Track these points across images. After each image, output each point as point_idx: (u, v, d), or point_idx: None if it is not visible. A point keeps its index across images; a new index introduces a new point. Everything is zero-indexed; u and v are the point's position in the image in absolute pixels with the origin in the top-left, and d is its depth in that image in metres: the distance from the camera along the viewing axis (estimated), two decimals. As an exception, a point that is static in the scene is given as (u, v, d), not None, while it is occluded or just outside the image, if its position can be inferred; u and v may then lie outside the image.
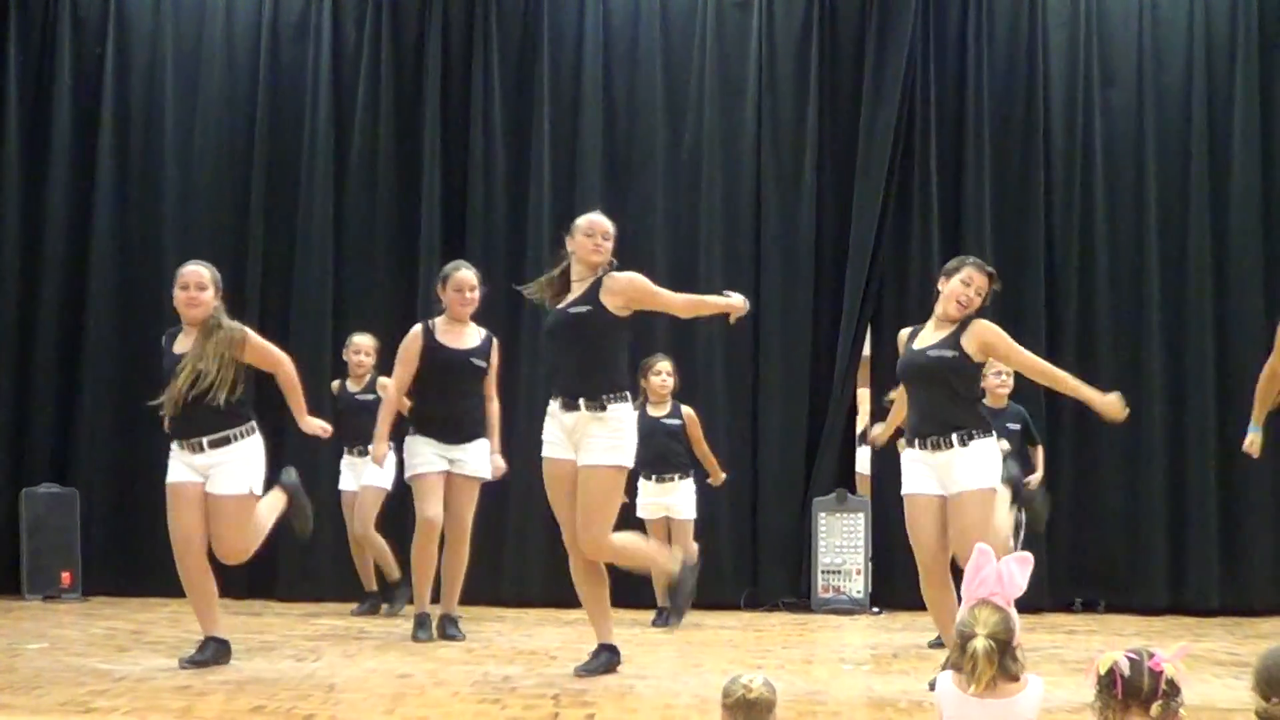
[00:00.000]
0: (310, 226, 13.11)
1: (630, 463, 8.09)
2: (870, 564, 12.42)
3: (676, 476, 11.19)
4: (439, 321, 9.75)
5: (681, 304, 8.35)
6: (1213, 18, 13.18)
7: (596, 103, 13.20)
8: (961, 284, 7.93)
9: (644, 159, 13.24)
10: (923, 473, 7.89)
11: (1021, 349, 8.15)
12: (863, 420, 13.42)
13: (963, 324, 7.95)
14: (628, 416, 8.03)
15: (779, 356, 12.99)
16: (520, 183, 13.17)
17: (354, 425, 11.35)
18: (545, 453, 8.15)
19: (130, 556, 12.33)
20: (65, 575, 12.22)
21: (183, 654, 8.23)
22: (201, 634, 8.32)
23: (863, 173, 12.96)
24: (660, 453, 11.00)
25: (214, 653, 8.18)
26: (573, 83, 13.28)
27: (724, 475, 11.55)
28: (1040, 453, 11.50)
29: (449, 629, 9.83)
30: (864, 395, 13.63)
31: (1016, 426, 10.98)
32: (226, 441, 8.14)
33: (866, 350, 13.10)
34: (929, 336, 8.01)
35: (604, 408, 7.91)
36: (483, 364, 9.71)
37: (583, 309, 7.96)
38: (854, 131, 13.10)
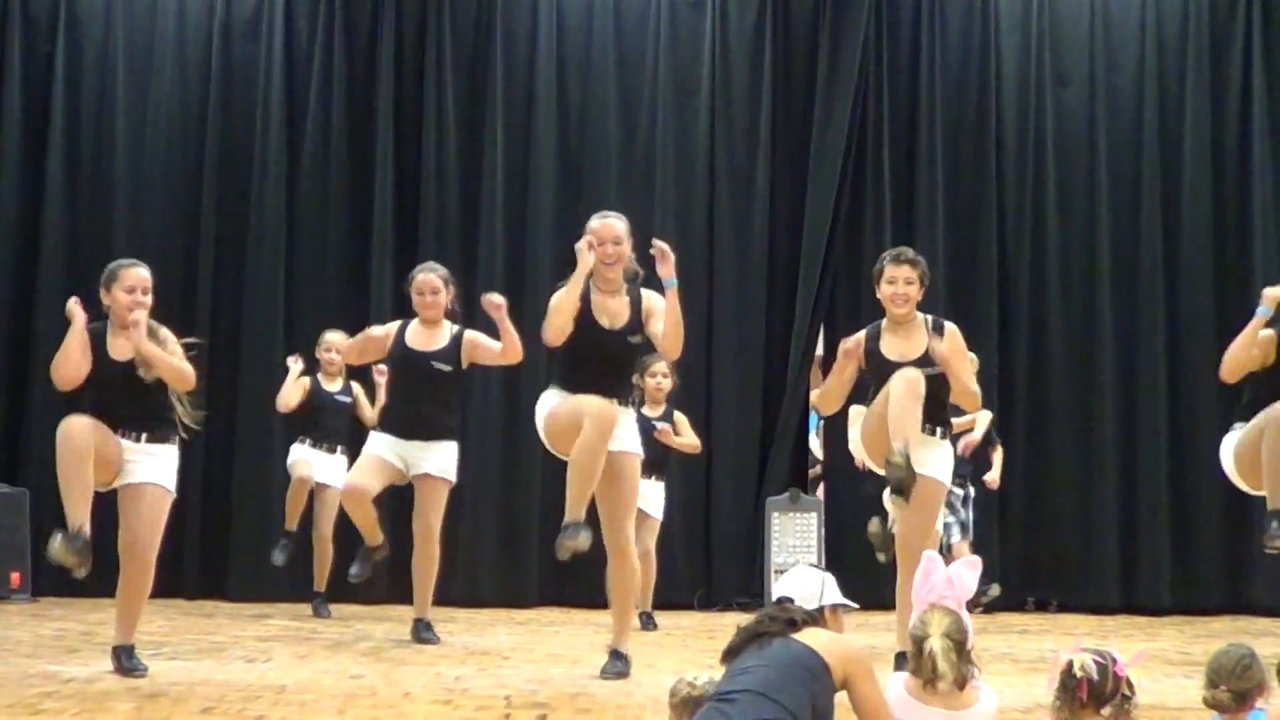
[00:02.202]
0: (262, 225, 13.05)
1: None
2: (823, 564, 12.42)
3: (654, 477, 11.07)
4: (414, 322, 9.68)
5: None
6: (1164, 19, 13.27)
7: (550, 102, 13.19)
8: (888, 285, 8.13)
9: (597, 158, 13.24)
10: None
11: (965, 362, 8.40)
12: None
13: (937, 329, 8.16)
14: None
15: (732, 357, 13.00)
16: (473, 181, 13.14)
17: (329, 424, 11.32)
18: (562, 402, 7.85)
19: (80, 557, 12.23)
20: (14, 576, 12.13)
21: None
22: (73, 523, 7.94)
23: (816, 173, 13.00)
24: (653, 455, 10.79)
25: (84, 543, 7.92)
26: (526, 81, 13.26)
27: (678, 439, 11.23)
28: (999, 455, 11.60)
29: (423, 633, 9.70)
30: (815, 396, 13.65)
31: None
32: (163, 440, 8.01)
33: (820, 350, 13.13)
34: (903, 345, 8.11)
35: (632, 405, 8.05)
36: (446, 368, 9.54)
37: (637, 339, 7.94)
38: (807, 132, 13.14)
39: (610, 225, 7.90)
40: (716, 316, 13.03)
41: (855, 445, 8.91)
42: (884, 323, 8.23)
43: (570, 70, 13.38)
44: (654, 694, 7.14)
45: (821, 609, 5.36)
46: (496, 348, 9.50)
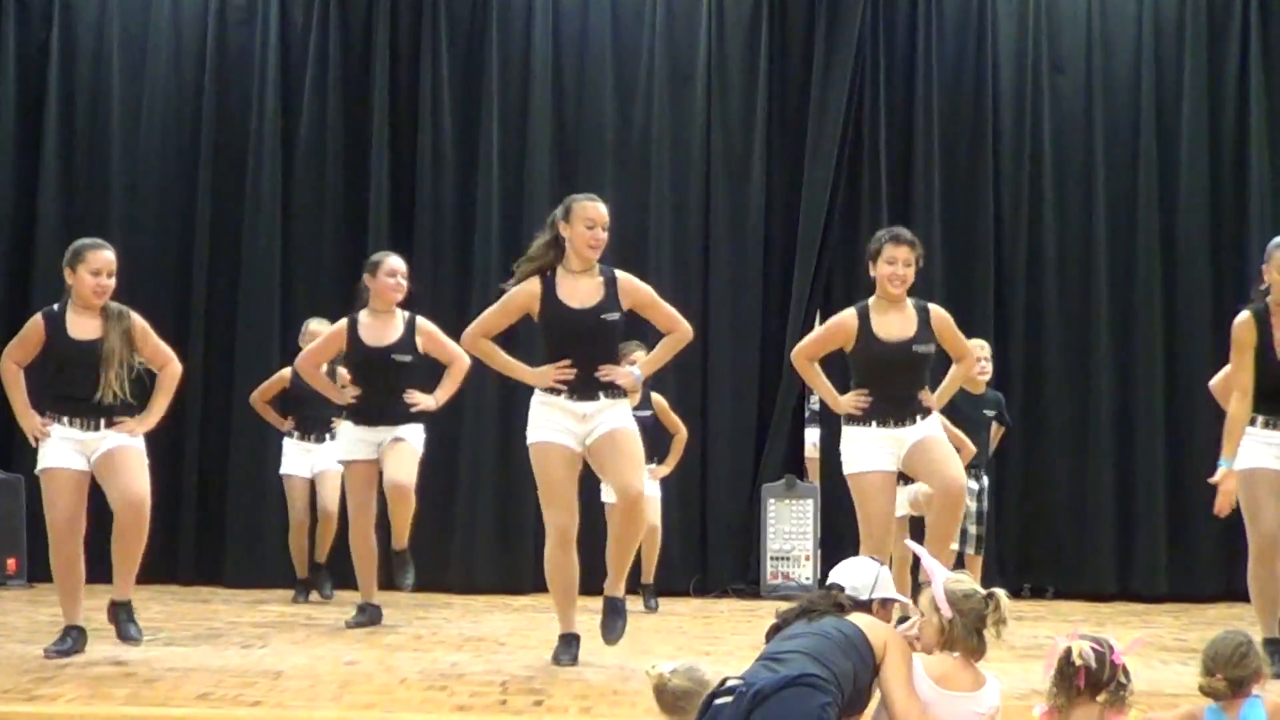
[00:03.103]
0: (258, 213, 13.03)
1: None
2: (819, 550, 12.43)
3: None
4: (363, 315, 9.63)
5: (669, 330, 8.16)
6: (1161, 5, 13.25)
7: (545, 87, 13.16)
8: (887, 264, 8.24)
9: (593, 144, 13.21)
10: (880, 449, 8.18)
11: (960, 335, 8.56)
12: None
13: (923, 313, 8.28)
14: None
15: (728, 343, 12.99)
16: (469, 167, 13.12)
17: (315, 413, 11.29)
18: (547, 438, 7.79)
19: (76, 543, 12.23)
20: (10, 562, 12.14)
21: (47, 645, 8.11)
22: (65, 622, 8.16)
23: (812, 159, 12.98)
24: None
25: (76, 641, 8.09)
26: (521, 67, 13.23)
27: (666, 470, 11.37)
28: (999, 434, 11.42)
29: (400, 570, 9.78)
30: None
31: (992, 412, 10.97)
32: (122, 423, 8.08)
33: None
34: (895, 326, 8.22)
35: (623, 394, 7.93)
36: (406, 358, 9.52)
37: (614, 316, 7.86)
38: (803, 118, 13.12)
39: (602, 210, 7.88)
40: (712, 302, 13.02)
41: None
42: (872, 301, 8.31)
43: (566, 55, 13.35)
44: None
45: (871, 601, 5.62)
46: (450, 351, 9.57)
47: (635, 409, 10.76)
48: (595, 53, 13.32)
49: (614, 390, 7.87)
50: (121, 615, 8.11)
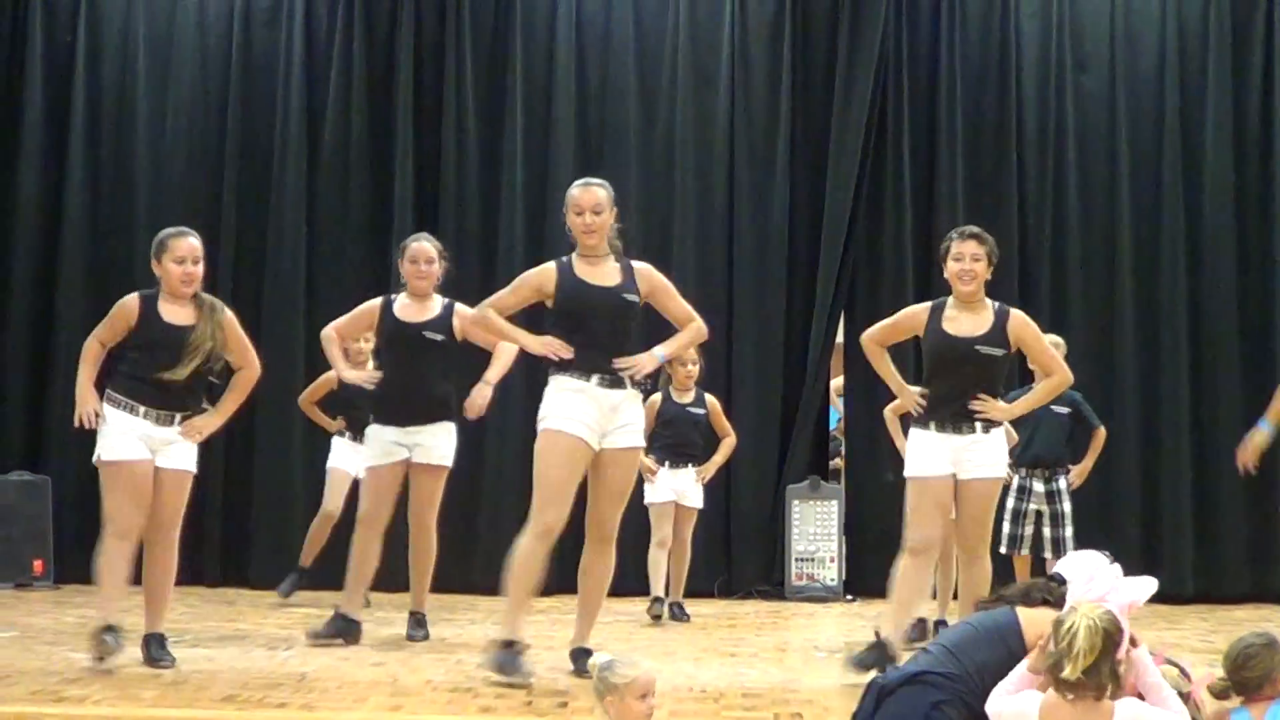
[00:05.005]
0: (283, 212, 13.07)
1: None
2: (844, 551, 12.42)
3: (691, 465, 11.01)
4: (401, 296, 9.34)
5: (684, 323, 8.01)
6: (1185, 2, 13.21)
7: (569, 88, 13.17)
8: (954, 261, 8.10)
9: (617, 144, 13.21)
10: (938, 455, 8.02)
11: (1048, 349, 8.44)
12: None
13: (1001, 316, 8.10)
14: None
15: (752, 344, 12.98)
16: (493, 168, 13.14)
17: (360, 414, 11.24)
18: (568, 429, 7.52)
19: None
20: (37, 563, 12.16)
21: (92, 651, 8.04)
22: (102, 620, 8.04)
23: (835, 159, 12.97)
24: (680, 440, 10.77)
25: (117, 640, 8.01)
26: (545, 69, 13.25)
27: (709, 474, 11.22)
28: (1099, 436, 11.12)
29: (413, 630, 9.35)
30: (837, 384, 13.67)
31: (1065, 410, 10.77)
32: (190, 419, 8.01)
33: (840, 338, 13.10)
34: (966, 323, 8.08)
35: (642, 389, 7.83)
36: (439, 337, 9.18)
37: (633, 298, 7.75)
38: (827, 117, 13.11)
39: (591, 192, 7.80)
40: (736, 302, 13.01)
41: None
42: (949, 299, 8.17)
43: (590, 55, 13.35)
44: (674, 681, 7.16)
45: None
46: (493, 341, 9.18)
47: (689, 405, 10.81)
48: (618, 52, 13.33)
49: (636, 384, 7.72)
50: (151, 647, 7.94)
